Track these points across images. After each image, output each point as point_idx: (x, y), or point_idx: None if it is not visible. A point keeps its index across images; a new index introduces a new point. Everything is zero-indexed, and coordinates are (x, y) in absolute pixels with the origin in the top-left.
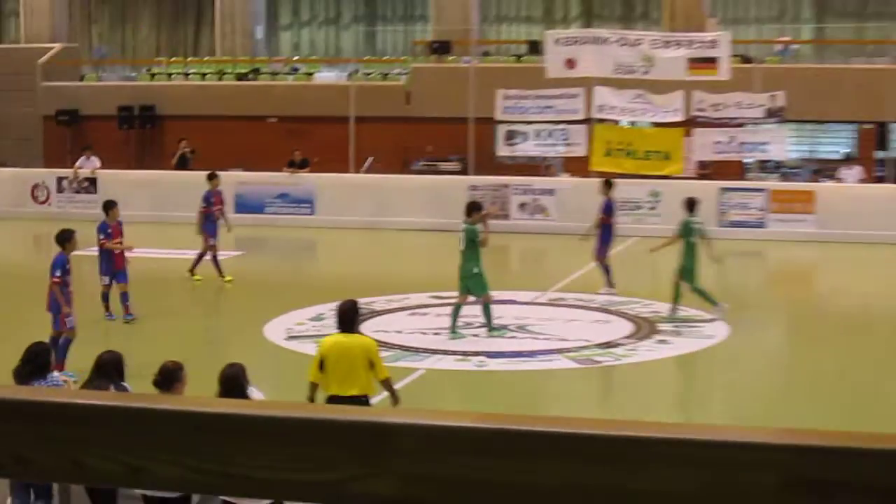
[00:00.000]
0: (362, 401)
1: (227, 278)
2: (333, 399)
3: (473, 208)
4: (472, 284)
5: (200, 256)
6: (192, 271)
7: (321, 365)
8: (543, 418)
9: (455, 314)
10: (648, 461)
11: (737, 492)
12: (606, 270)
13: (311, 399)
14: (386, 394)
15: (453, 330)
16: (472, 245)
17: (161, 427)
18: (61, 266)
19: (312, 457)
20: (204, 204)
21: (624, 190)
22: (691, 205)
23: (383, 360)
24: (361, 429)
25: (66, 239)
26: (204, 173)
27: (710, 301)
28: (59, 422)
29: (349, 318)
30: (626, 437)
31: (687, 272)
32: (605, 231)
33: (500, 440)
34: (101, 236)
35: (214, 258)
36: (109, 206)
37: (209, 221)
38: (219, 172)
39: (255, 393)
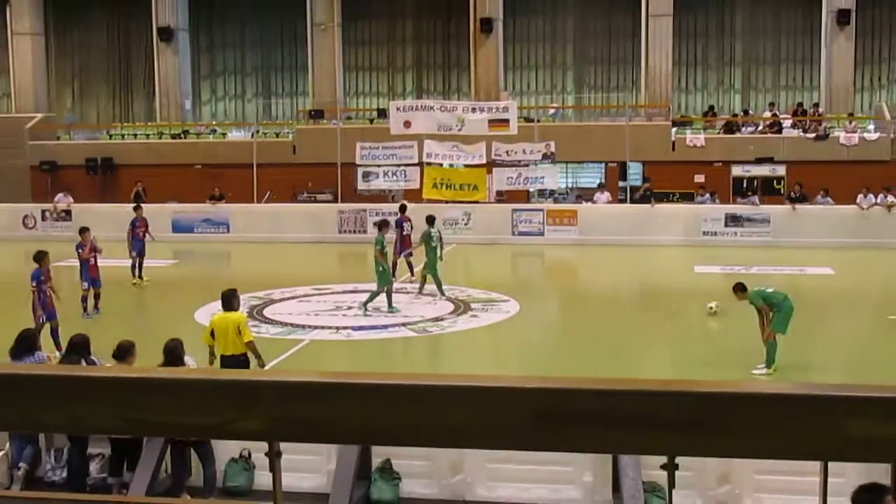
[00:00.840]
0: (238, 358)
1: (143, 281)
2: (221, 357)
3: (381, 225)
4: (378, 278)
5: (133, 265)
6: (139, 277)
7: (212, 333)
8: (370, 374)
9: (371, 297)
10: (444, 403)
11: (500, 422)
12: (409, 266)
13: (212, 354)
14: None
15: (390, 306)
16: (381, 250)
17: (100, 389)
18: (36, 278)
19: (202, 406)
20: (130, 227)
21: (447, 211)
22: (431, 220)
23: (252, 330)
24: (237, 386)
25: (40, 257)
26: (153, 205)
27: (440, 288)
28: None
29: (227, 300)
30: (425, 385)
31: (430, 266)
32: (402, 240)
33: (336, 390)
34: (79, 251)
35: (134, 265)
36: (83, 231)
37: (134, 240)
38: (143, 205)
39: (189, 360)
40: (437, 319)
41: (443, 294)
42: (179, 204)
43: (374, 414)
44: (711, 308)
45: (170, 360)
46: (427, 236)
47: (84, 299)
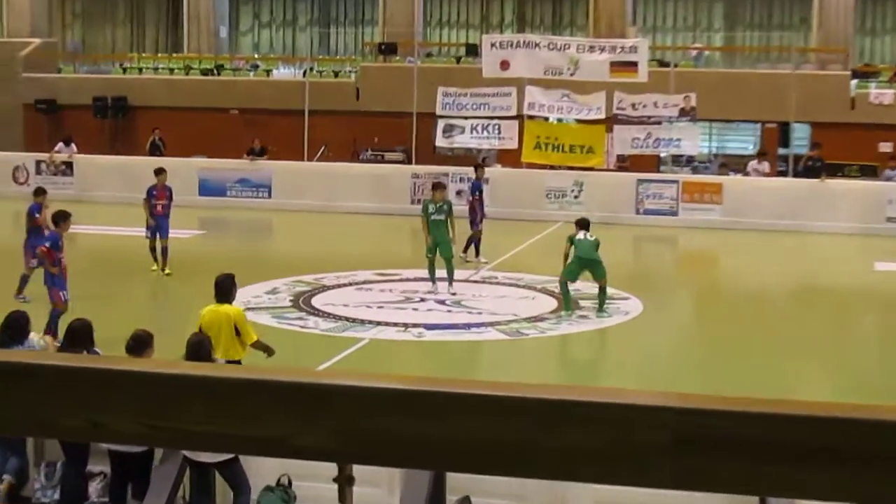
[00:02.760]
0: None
1: (162, 271)
2: None
3: (434, 187)
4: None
5: (153, 251)
6: (162, 269)
7: (200, 329)
8: (459, 381)
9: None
10: (557, 420)
11: (635, 448)
12: (470, 242)
13: None
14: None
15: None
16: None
17: (122, 387)
18: (52, 241)
19: (257, 414)
20: (146, 195)
21: (551, 179)
22: (437, 186)
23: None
24: (302, 390)
25: (61, 218)
26: (175, 160)
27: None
28: (28, 381)
29: (222, 289)
30: (536, 398)
31: (441, 247)
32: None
33: (419, 400)
34: (35, 215)
35: (153, 249)
36: (38, 192)
37: (154, 215)
38: (162, 159)
39: (221, 362)
40: (534, 319)
41: (450, 285)
42: (208, 159)
43: (464, 430)
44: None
45: (193, 358)
46: (425, 208)
47: (24, 279)
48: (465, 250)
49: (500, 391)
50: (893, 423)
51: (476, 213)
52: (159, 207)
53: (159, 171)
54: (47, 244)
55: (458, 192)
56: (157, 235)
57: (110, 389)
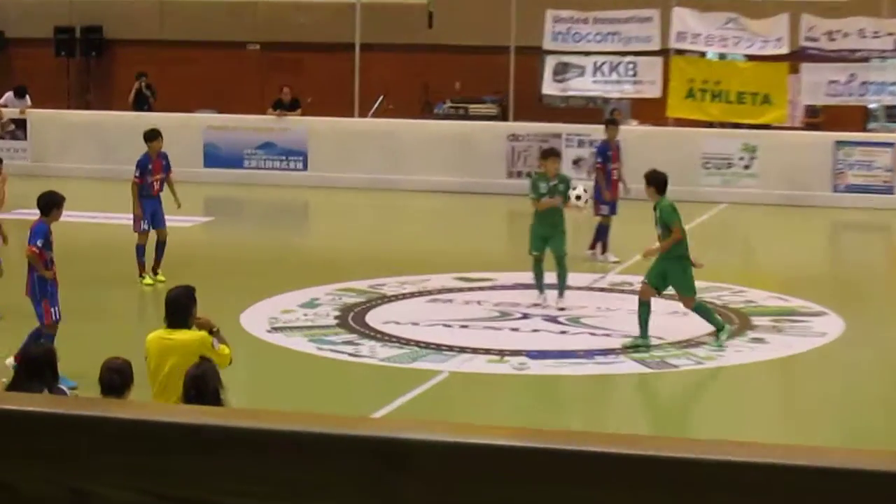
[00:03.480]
0: None
1: (155, 279)
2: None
3: (546, 154)
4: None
5: (143, 255)
6: (153, 272)
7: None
8: (594, 435)
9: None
10: (728, 489)
11: None
12: (599, 233)
13: None
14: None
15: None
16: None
17: (113, 441)
18: (43, 236)
19: (301, 481)
20: (138, 173)
21: (710, 142)
22: (549, 153)
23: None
24: (365, 447)
25: (53, 204)
26: (169, 116)
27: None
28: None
29: (176, 309)
30: (695, 460)
31: (552, 241)
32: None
33: (540, 461)
34: None
35: (141, 251)
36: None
37: (144, 197)
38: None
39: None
40: (687, 344)
41: (541, 292)
42: (217, 115)
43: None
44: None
45: (195, 398)
46: (534, 186)
47: None
48: (593, 245)
49: (644, 449)
50: None
51: (602, 191)
52: (156, 185)
53: (153, 136)
54: (39, 242)
55: (576, 162)
56: (152, 226)
57: (98, 446)
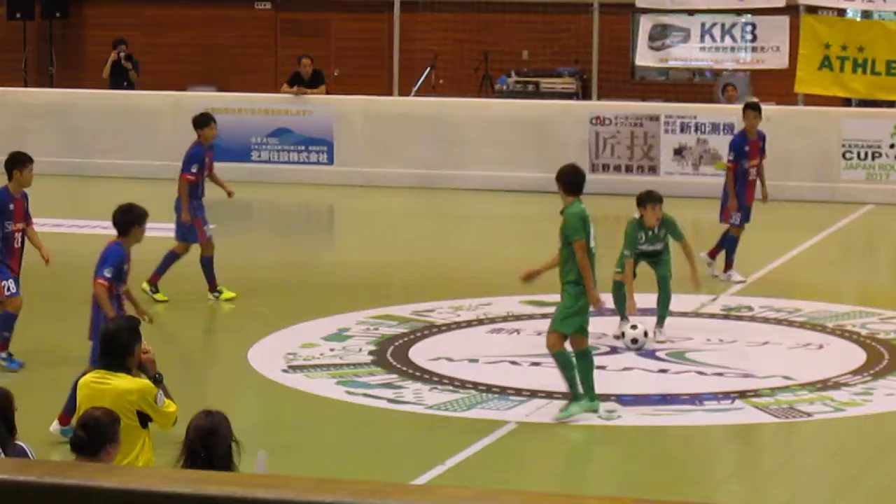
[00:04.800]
0: None
1: (226, 295)
2: None
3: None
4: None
5: (169, 262)
6: (152, 288)
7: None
8: None
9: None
10: None
11: None
12: (724, 244)
13: None
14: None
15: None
16: None
17: None
18: (114, 263)
19: None
20: (195, 168)
21: (853, 124)
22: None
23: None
24: None
25: (133, 221)
26: (155, 94)
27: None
28: None
29: (112, 346)
30: None
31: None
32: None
33: None
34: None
35: (207, 262)
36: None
37: (196, 198)
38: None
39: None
40: (823, 386)
41: (661, 325)
42: (217, 94)
43: None
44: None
45: (204, 459)
46: (631, 238)
47: (7, 318)
48: (714, 254)
49: None
50: None
51: (730, 195)
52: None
53: (205, 121)
54: (108, 272)
55: (678, 152)
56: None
57: None
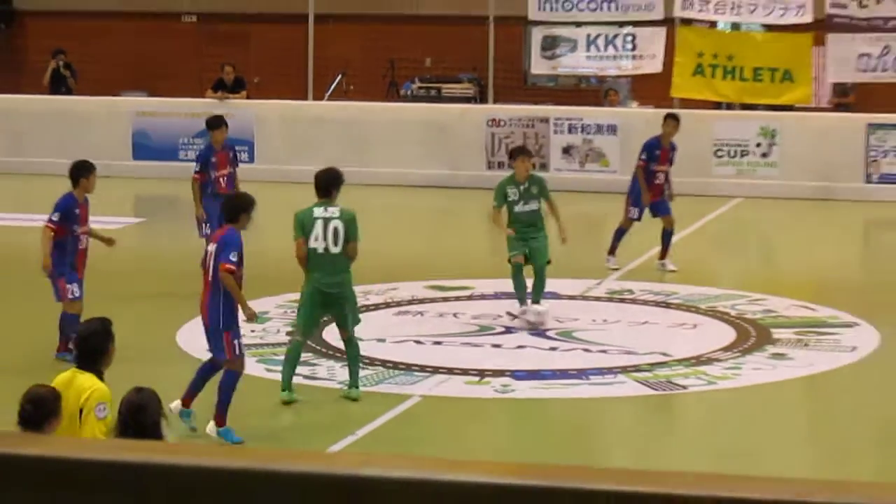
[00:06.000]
0: None
1: None
2: None
3: (514, 153)
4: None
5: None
6: None
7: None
8: (590, 470)
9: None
10: None
11: None
12: (618, 237)
13: None
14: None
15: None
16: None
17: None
18: (237, 247)
19: None
20: (198, 167)
21: (724, 126)
22: (517, 152)
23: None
24: (318, 484)
25: (240, 209)
26: (92, 100)
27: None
28: None
29: (87, 347)
30: (711, 497)
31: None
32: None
33: (526, 501)
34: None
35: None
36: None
37: (208, 196)
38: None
39: (166, 432)
40: (697, 361)
41: (522, 303)
42: (148, 99)
43: None
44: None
45: (134, 431)
46: (500, 193)
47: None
48: (613, 251)
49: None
50: None
51: (648, 189)
52: (222, 182)
53: (216, 123)
54: (233, 257)
55: (567, 150)
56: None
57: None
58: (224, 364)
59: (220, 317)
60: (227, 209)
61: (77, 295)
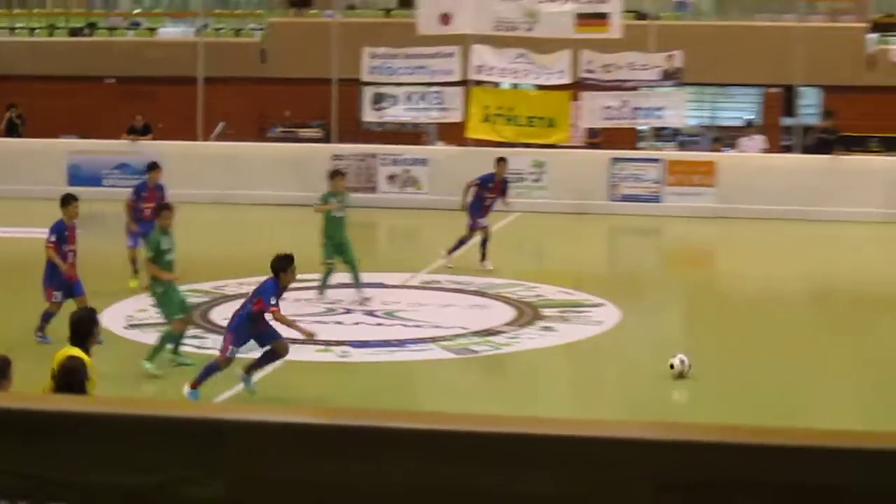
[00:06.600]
0: None
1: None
2: None
3: (332, 175)
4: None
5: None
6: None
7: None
8: (395, 413)
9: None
10: (513, 460)
11: (611, 494)
12: (460, 243)
13: None
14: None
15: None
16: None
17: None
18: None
19: (136, 457)
20: (134, 196)
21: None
22: (335, 174)
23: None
24: (192, 428)
25: (279, 269)
26: (38, 142)
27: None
28: None
29: (79, 329)
30: (487, 433)
31: (339, 248)
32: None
33: (343, 437)
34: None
35: (133, 260)
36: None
37: (137, 220)
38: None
39: None
40: (487, 333)
41: (360, 286)
42: (79, 140)
43: (400, 474)
44: (674, 366)
45: (67, 386)
46: (325, 201)
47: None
48: (450, 252)
49: (444, 424)
50: None
51: (478, 210)
52: (147, 212)
53: (154, 167)
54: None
55: (391, 178)
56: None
57: None
58: (220, 356)
59: (236, 324)
60: (273, 266)
61: (59, 299)
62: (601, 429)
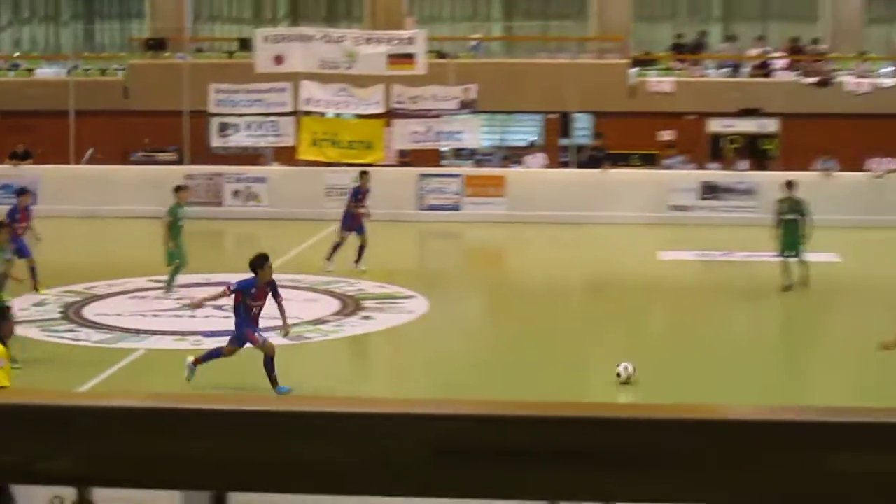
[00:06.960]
0: None
1: (37, 290)
2: None
3: (177, 189)
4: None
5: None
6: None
7: None
8: (218, 396)
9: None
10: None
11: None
12: (336, 248)
13: None
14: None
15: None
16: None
17: None
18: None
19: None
20: (8, 219)
21: (332, 176)
22: (179, 189)
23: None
24: (43, 412)
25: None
26: None
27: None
28: None
29: None
30: (289, 412)
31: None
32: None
33: (172, 419)
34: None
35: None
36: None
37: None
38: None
39: None
40: (316, 322)
41: (169, 288)
42: None
43: (223, 450)
44: (620, 374)
45: None
46: (173, 212)
47: None
48: (329, 256)
49: (247, 405)
50: (654, 421)
51: (349, 221)
52: (20, 230)
53: (23, 192)
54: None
55: (235, 193)
56: (18, 256)
57: None
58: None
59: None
60: (251, 264)
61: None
62: (388, 406)
